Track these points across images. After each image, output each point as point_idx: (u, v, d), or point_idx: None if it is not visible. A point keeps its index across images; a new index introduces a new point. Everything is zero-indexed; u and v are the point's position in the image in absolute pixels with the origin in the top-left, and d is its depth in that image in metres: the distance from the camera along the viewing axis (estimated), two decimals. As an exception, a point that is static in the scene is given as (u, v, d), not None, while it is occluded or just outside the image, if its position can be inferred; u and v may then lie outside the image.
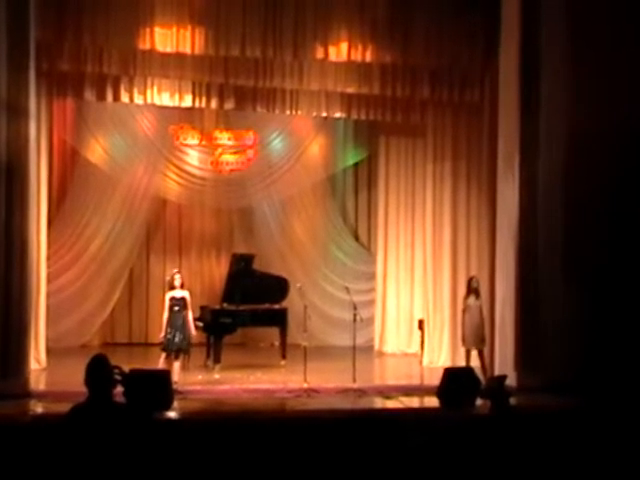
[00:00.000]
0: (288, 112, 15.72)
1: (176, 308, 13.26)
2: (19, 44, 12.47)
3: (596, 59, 13.45)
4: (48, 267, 15.43)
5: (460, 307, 15.22)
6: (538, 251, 13.68)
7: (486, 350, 14.38)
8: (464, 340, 14.14)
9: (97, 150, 17.06)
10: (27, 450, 7.09)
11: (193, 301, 13.85)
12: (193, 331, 13.34)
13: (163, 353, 13.21)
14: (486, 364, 13.93)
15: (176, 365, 13.02)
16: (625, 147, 13.21)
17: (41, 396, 12.41)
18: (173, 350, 13.13)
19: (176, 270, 13.94)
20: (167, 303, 13.21)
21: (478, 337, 13.97)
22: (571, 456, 7.73)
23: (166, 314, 13.16)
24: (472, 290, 14.18)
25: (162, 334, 13.15)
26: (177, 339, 13.14)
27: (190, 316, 13.23)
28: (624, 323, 12.97)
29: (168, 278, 13.72)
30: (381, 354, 17.50)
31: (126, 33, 13.49)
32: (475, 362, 13.96)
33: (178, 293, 13.25)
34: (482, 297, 14.27)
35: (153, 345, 17.26)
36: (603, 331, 12.97)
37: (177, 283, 13.33)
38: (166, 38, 13.68)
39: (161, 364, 13.12)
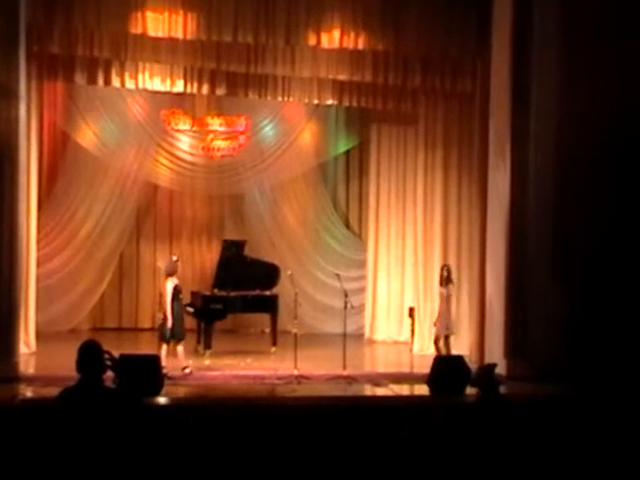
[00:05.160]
0: (280, 98, 15.74)
1: (180, 296, 13.30)
2: (9, 26, 12.45)
3: (588, 47, 13.43)
4: (38, 251, 15.42)
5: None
6: (528, 241, 13.72)
7: (476, 338, 14.47)
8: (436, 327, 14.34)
9: (88, 134, 17.03)
10: (16, 434, 7.10)
11: (185, 287, 13.88)
12: None
13: (165, 343, 13.16)
14: (449, 351, 14.02)
15: (164, 351, 13.08)
16: (616, 135, 13.22)
17: (30, 380, 12.37)
18: (181, 339, 13.18)
19: (176, 258, 13.92)
20: (171, 292, 13.12)
21: (444, 325, 14.08)
22: (560, 443, 7.78)
23: (170, 303, 13.08)
24: (442, 278, 14.29)
25: (170, 323, 13.06)
26: (181, 328, 13.24)
27: None
28: (612, 312, 13.03)
29: (163, 264, 13.70)
30: (371, 342, 17.51)
31: (117, 17, 13.40)
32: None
33: (176, 281, 13.26)
34: (453, 285, 14.46)
35: (143, 330, 17.35)
36: (591, 320, 13.02)
37: (178, 271, 13.40)
38: (158, 22, 13.61)
39: (164, 353, 13.11)
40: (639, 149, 13.19)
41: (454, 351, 14.34)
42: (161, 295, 13.81)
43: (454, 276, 15.36)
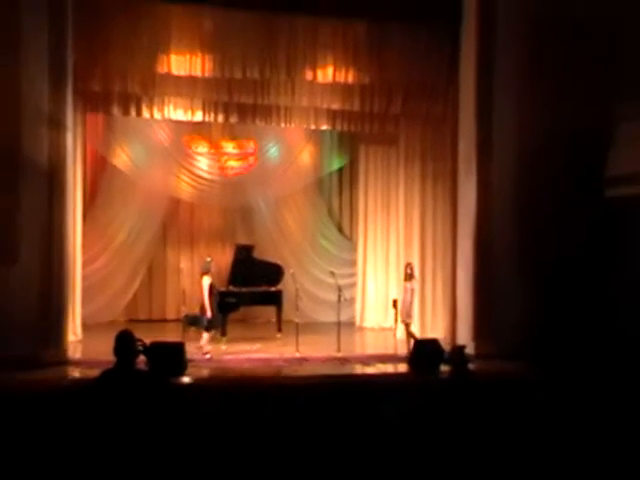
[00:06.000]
0: (283, 124, 15.68)
1: (215, 291, 13.37)
2: (58, 67, 12.51)
3: (540, 75, 13.60)
4: (82, 255, 15.44)
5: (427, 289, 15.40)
6: (492, 240, 13.79)
7: (449, 323, 14.50)
8: (401, 314, 14.21)
9: (122, 157, 17.03)
10: (66, 408, 7.14)
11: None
12: None
13: (207, 332, 13.27)
14: (413, 335, 13.89)
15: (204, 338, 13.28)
16: (567, 149, 13.30)
17: (77, 363, 12.50)
18: (213, 328, 13.30)
19: (210, 258, 14.04)
20: (208, 288, 13.21)
21: (406, 313, 14.00)
22: (521, 412, 7.82)
23: (208, 297, 13.18)
24: (406, 275, 14.25)
25: (209, 314, 13.16)
26: (217, 319, 13.42)
27: None
28: (565, 300, 13.09)
29: (200, 264, 13.94)
30: (361, 328, 17.49)
31: (147, 59, 13.51)
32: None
33: (210, 279, 13.38)
34: (416, 280, 14.36)
35: (169, 321, 17.35)
36: (546, 307, 13.10)
37: (212, 269, 13.52)
38: (180, 63, 13.71)
39: (208, 341, 13.24)
40: (582, 163, 13.32)
41: (431, 334, 14.40)
42: (184, 292, 13.84)
43: (431, 272, 15.45)
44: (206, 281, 13.25)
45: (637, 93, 13.07)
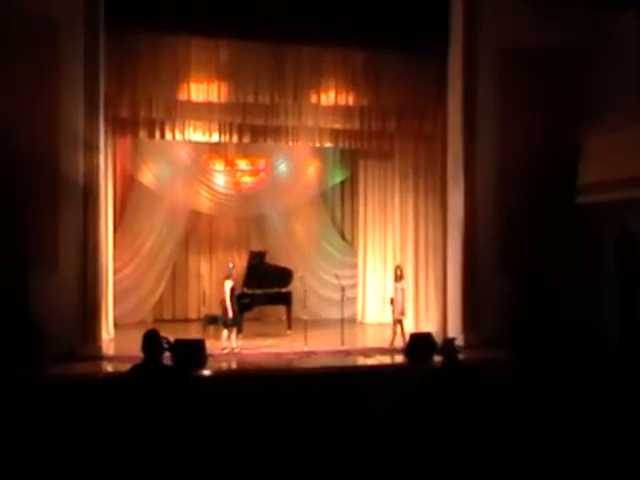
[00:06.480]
0: (291, 143, 15.60)
1: (236, 293, 13.42)
2: (92, 95, 12.71)
3: (518, 97, 13.86)
4: (114, 262, 15.48)
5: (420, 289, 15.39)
6: (478, 244, 13.94)
7: (441, 318, 14.50)
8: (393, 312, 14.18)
9: (148, 175, 17.05)
10: (101, 397, 7.23)
11: (220, 287, 13.93)
12: None
13: (227, 330, 13.32)
14: (404, 332, 13.80)
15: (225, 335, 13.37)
16: (542, 162, 13.51)
17: (110, 359, 12.57)
18: (234, 325, 13.34)
19: (232, 265, 14.11)
20: (229, 291, 13.28)
21: (398, 311, 13.98)
22: (503, 393, 7.90)
23: (229, 299, 13.24)
24: (396, 276, 14.25)
25: (230, 314, 13.22)
26: (239, 318, 13.46)
27: None
28: (541, 295, 13.20)
29: (222, 270, 14.13)
30: (362, 324, 17.44)
31: (169, 88, 13.59)
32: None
33: (232, 282, 13.45)
34: (405, 281, 14.40)
35: (191, 321, 17.36)
36: (525, 302, 13.22)
37: (234, 274, 13.57)
38: (199, 91, 13.79)
39: (227, 338, 13.28)
40: (556, 173, 13.46)
41: (425, 328, 14.39)
42: (204, 294, 13.84)
43: (424, 274, 15.47)
44: (228, 284, 13.35)
45: (602, 112, 13.29)
